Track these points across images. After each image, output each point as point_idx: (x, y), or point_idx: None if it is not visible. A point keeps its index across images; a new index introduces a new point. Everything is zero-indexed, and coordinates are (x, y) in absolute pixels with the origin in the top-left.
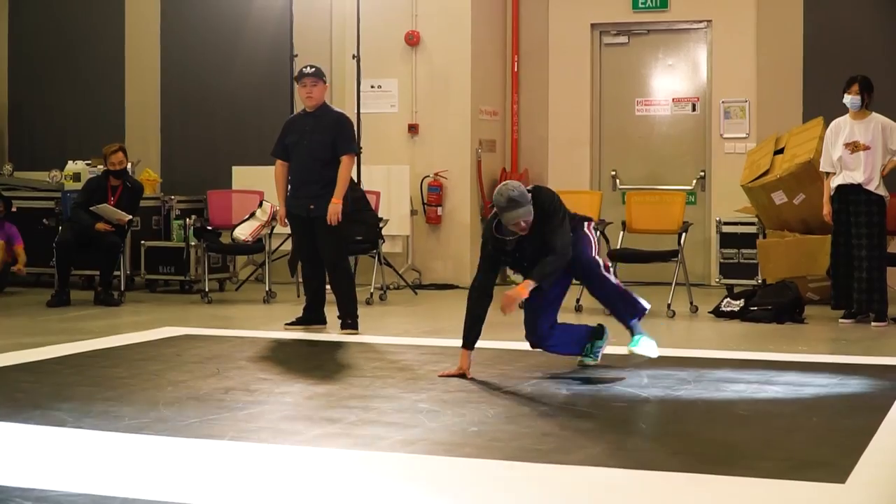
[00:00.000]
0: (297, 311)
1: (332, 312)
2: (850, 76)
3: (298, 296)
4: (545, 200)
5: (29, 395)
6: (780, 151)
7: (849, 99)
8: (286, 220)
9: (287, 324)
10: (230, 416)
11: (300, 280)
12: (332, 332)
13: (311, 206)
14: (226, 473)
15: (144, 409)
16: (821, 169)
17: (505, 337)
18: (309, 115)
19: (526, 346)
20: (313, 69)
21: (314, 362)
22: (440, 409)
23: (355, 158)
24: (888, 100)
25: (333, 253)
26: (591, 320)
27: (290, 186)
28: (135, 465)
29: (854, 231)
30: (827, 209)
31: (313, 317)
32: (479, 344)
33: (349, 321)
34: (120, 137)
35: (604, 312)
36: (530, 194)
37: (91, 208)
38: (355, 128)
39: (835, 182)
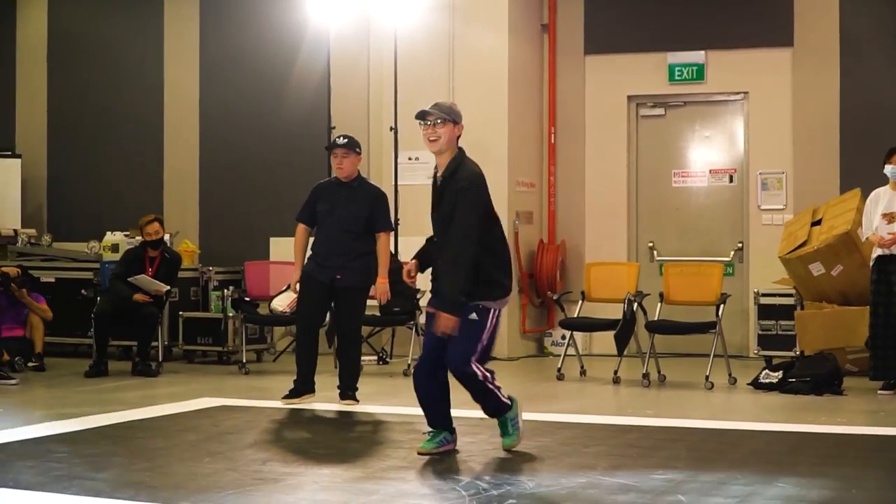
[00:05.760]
0: (334, 380)
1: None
2: (892, 146)
3: (336, 366)
4: (470, 172)
5: (65, 466)
6: (818, 223)
7: (889, 169)
8: (297, 285)
9: (284, 397)
10: (268, 489)
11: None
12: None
13: (338, 276)
14: None
15: (182, 479)
16: (864, 238)
17: (543, 409)
18: (343, 184)
19: (563, 417)
20: (346, 140)
21: (351, 434)
22: (474, 480)
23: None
24: None
25: (355, 325)
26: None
27: (312, 252)
28: None
29: (894, 301)
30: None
31: (307, 387)
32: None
33: (350, 392)
34: (158, 209)
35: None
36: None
37: (129, 279)
38: (393, 200)
39: (874, 253)
